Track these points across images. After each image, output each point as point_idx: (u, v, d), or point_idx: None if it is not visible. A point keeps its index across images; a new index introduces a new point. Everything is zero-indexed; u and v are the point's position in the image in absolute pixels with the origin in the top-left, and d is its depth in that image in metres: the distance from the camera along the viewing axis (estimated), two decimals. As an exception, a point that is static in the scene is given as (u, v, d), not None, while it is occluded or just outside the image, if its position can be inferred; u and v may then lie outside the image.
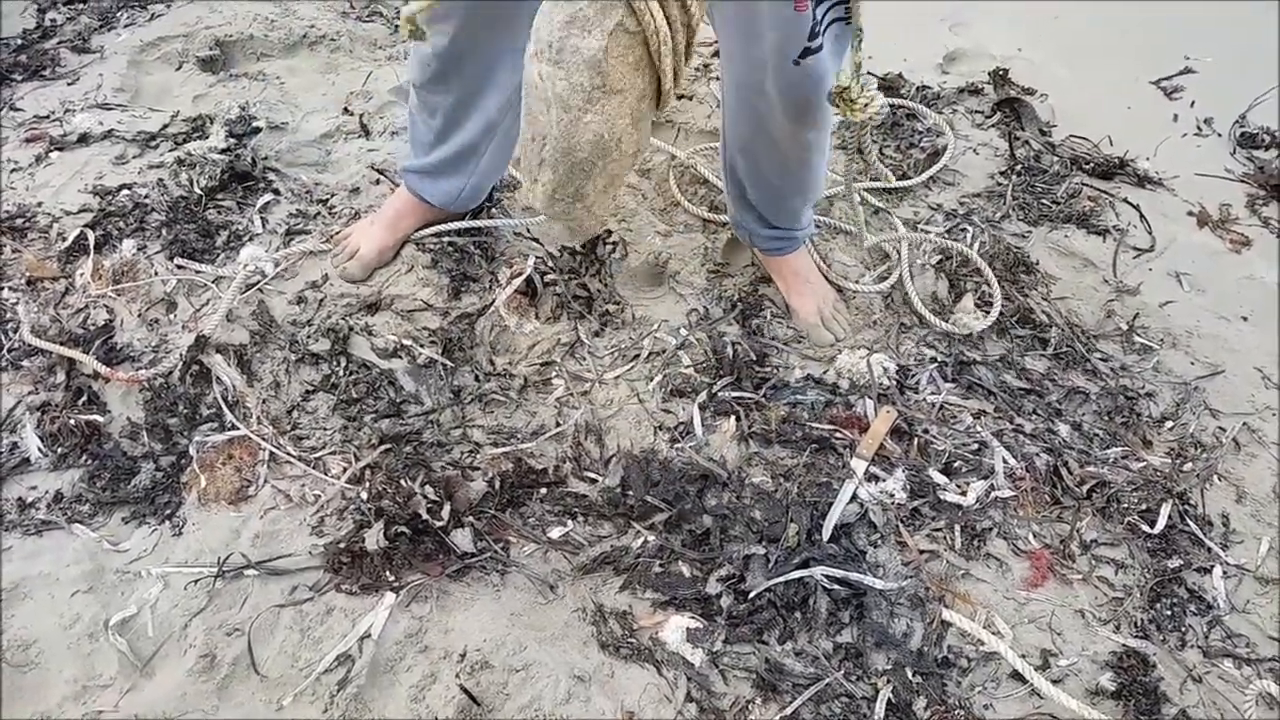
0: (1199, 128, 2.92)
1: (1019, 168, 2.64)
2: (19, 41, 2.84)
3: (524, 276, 2.12)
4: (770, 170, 2.00)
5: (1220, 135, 2.90)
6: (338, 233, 2.23)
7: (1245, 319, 2.35)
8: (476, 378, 2.01)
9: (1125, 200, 2.61)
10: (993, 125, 2.80)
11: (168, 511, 1.78)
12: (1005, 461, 1.91)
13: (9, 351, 2.03)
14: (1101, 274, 2.40)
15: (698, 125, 2.70)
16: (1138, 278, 2.40)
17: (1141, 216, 2.57)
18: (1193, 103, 3.00)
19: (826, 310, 2.17)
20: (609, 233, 2.24)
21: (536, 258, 2.17)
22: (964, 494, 1.86)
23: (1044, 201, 2.56)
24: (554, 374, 2.04)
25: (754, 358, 2.07)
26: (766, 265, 2.23)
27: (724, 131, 2.02)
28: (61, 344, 2.01)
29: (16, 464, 1.85)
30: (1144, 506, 1.89)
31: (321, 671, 1.56)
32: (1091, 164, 2.69)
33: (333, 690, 1.55)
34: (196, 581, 1.66)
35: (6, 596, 1.64)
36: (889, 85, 2.86)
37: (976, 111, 2.85)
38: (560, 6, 1.75)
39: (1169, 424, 2.08)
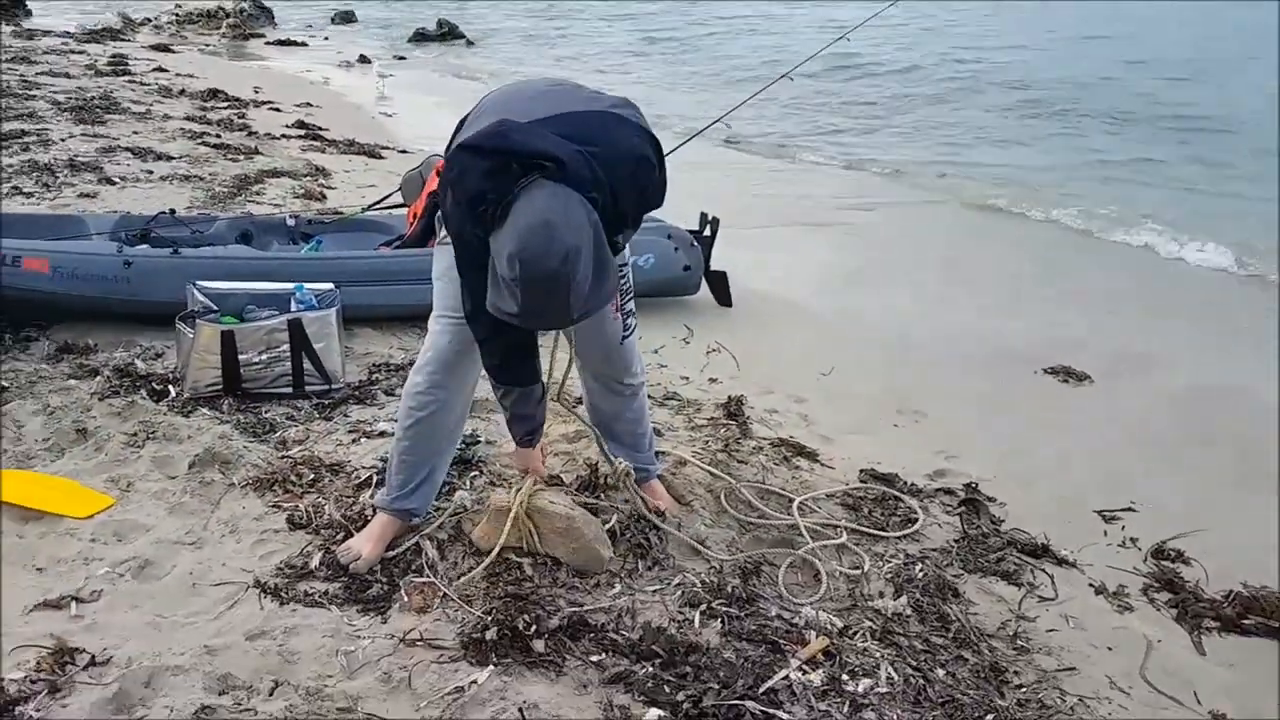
0: (1124, 543, 4.01)
1: (967, 540, 3.82)
2: (356, 383, 4.73)
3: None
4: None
5: (1140, 550, 3.97)
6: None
7: (1110, 649, 3.30)
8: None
9: (1043, 570, 3.69)
10: (956, 514, 4.02)
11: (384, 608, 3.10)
12: (890, 676, 2.93)
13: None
14: (1009, 606, 3.45)
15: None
16: (1035, 612, 3.43)
17: (1051, 579, 3.64)
18: (1123, 526, 4.12)
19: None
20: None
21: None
22: (856, 686, 2.88)
23: (980, 560, 3.69)
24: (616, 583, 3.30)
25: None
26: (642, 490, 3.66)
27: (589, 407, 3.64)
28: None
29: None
30: None
31: (446, 693, 2.74)
32: (1023, 545, 3.82)
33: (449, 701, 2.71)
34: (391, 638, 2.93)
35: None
36: (887, 479, 4.18)
37: (947, 506, 4.09)
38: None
39: (1022, 689, 3.02)
